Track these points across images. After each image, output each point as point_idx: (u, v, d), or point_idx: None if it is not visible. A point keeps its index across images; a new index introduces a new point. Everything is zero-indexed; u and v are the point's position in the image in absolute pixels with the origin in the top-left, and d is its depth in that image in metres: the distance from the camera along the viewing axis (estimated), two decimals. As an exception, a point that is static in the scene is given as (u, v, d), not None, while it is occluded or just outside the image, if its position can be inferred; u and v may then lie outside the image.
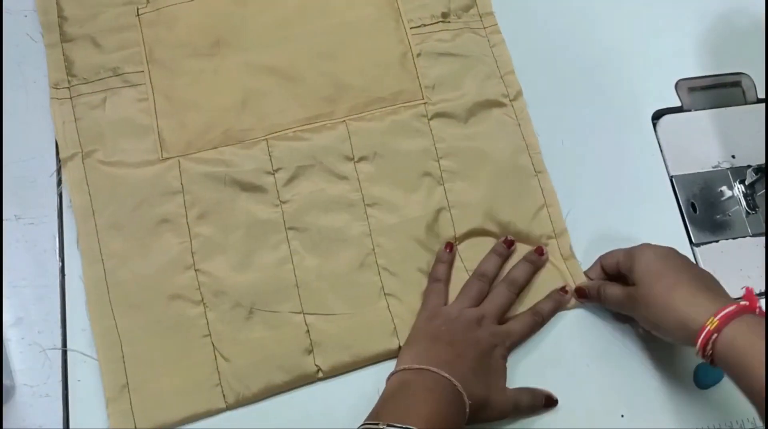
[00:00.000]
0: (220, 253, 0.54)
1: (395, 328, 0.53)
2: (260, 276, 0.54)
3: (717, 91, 0.63)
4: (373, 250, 0.55)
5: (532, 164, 0.58)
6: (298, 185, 0.56)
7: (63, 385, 0.51)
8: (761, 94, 0.63)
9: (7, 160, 0.56)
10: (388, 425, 0.43)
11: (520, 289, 0.55)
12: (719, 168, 0.61)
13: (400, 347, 0.53)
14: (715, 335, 0.44)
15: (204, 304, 0.53)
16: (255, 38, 0.59)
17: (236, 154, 0.56)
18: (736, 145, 0.61)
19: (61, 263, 0.54)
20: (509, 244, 0.56)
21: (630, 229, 0.57)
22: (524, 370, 0.54)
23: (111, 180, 0.55)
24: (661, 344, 0.54)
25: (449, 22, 0.61)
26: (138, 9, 0.59)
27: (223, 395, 0.51)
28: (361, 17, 0.60)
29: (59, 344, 0.52)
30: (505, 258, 0.56)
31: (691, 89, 0.63)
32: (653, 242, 0.56)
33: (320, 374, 0.52)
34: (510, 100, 0.60)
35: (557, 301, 0.54)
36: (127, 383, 0.51)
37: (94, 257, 0.53)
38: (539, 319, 0.54)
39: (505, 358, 0.52)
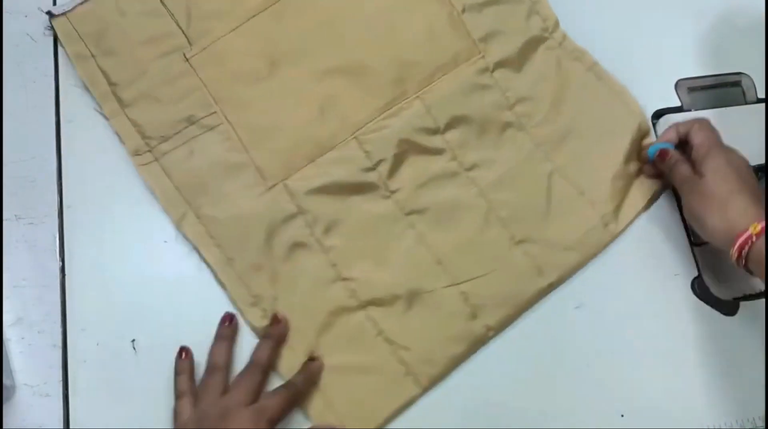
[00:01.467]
0: (358, 257, 0.55)
1: (539, 268, 0.55)
2: (402, 265, 0.55)
3: (717, 91, 0.63)
4: (491, 206, 0.56)
5: (594, 75, 0.60)
6: (402, 172, 0.57)
7: (63, 385, 0.52)
8: (761, 94, 0.63)
9: (7, 160, 0.56)
10: None
11: (266, 368, 0.51)
12: (719, 168, 0.61)
13: (550, 284, 0.55)
14: (753, 240, 0.48)
15: (364, 307, 0.54)
16: (307, 47, 0.58)
17: (334, 161, 0.56)
18: (736, 145, 0.60)
19: (61, 263, 0.54)
20: (229, 320, 0.53)
21: (630, 228, 0.58)
22: (524, 371, 0.54)
23: (231, 224, 0.55)
24: (661, 344, 0.55)
25: None
26: (185, 54, 0.57)
27: (417, 381, 0.53)
28: None
29: (59, 344, 0.52)
30: (232, 339, 0.53)
31: (691, 89, 0.63)
32: (653, 242, 0.57)
33: (491, 333, 0.54)
34: (550, 33, 0.61)
35: (310, 371, 0.52)
36: (333, 404, 0.52)
37: (249, 302, 0.54)
38: (294, 390, 0.51)
39: None
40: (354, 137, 0.57)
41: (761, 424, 0.52)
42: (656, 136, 0.61)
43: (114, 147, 0.57)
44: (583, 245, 0.56)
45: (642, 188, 0.59)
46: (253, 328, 0.54)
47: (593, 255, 0.57)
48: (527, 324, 0.55)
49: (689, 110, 0.62)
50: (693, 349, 0.55)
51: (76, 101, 0.57)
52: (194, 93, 0.57)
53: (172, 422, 0.50)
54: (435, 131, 0.57)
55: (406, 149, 0.57)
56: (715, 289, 0.57)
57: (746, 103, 0.63)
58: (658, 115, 0.62)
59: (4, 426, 0.50)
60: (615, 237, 0.57)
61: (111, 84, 0.57)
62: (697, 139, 0.55)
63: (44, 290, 0.53)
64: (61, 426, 0.51)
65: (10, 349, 0.52)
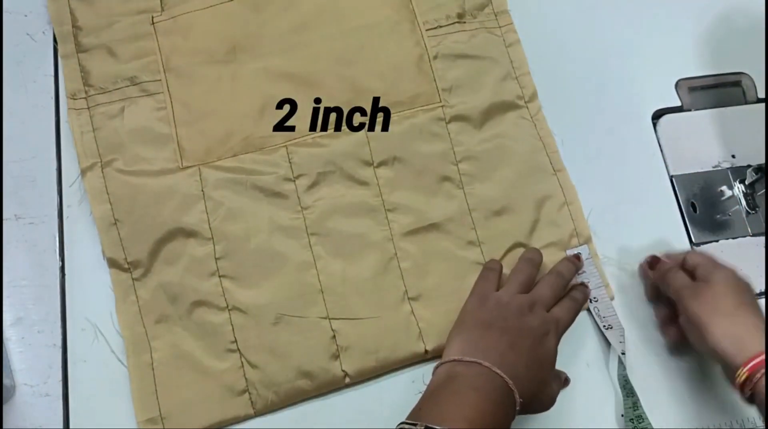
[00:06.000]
0: (244, 259, 0.54)
1: (420, 332, 0.53)
2: (285, 281, 0.54)
3: (717, 90, 0.63)
4: (396, 254, 0.55)
5: (551, 163, 0.58)
6: (319, 191, 0.56)
7: (63, 384, 0.52)
8: (761, 94, 0.63)
9: (7, 160, 0.56)
10: (427, 426, 0.41)
11: (567, 283, 0.53)
12: (719, 168, 0.61)
13: (426, 351, 0.53)
14: (750, 382, 0.45)
15: (229, 310, 0.53)
16: (272, 44, 0.59)
17: (256, 162, 0.56)
18: (736, 144, 0.61)
19: (61, 263, 0.54)
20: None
21: (630, 228, 0.57)
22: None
23: (131, 189, 0.55)
24: (661, 344, 0.54)
25: (465, 22, 0.61)
26: (153, 17, 0.59)
27: (251, 402, 0.51)
28: (377, 20, 0.60)
29: (59, 344, 0.52)
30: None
31: (692, 89, 0.63)
32: (653, 241, 0.57)
33: (347, 380, 0.52)
34: (525, 102, 0.59)
35: (584, 293, 0.54)
36: (156, 390, 0.51)
37: (121, 267, 0.53)
38: (579, 306, 0.52)
39: (556, 346, 0.49)
40: (285, 146, 0.56)
41: (761, 424, 0.52)
42: (657, 136, 0.61)
43: (114, 147, 0.56)
44: None
45: None
46: (113, 286, 0.53)
47: None
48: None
49: (689, 110, 0.62)
50: (693, 348, 0.54)
51: (76, 101, 0.57)
52: (148, 56, 0.58)
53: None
54: (368, 164, 0.56)
55: (332, 171, 0.56)
56: (715, 289, 0.57)
57: (746, 102, 0.63)
58: (659, 115, 0.62)
59: (4, 426, 0.50)
60: None
61: (75, 26, 0.58)
62: (700, 258, 0.52)
63: (44, 290, 0.53)
64: (61, 426, 0.51)
65: (10, 348, 0.52)
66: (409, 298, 0.54)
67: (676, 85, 0.62)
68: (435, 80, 0.59)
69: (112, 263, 0.54)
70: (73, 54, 0.58)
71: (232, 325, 0.53)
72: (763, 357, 0.44)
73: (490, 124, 0.59)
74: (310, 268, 0.54)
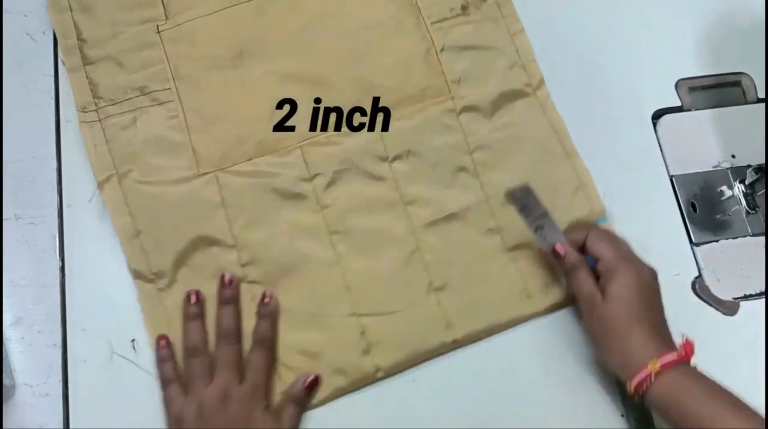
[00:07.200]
0: (269, 262, 0.54)
1: (448, 321, 0.53)
2: (310, 282, 0.54)
3: (717, 90, 0.63)
4: (418, 246, 0.55)
5: (563, 148, 0.58)
6: (337, 189, 0.56)
7: (63, 384, 0.52)
8: (761, 94, 0.63)
9: (7, 159, 0.56)
10: None
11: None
12: (719, 168, 0.61)
13: (455, 340, 0.53)
14: (651, 379, 0.46)
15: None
16: (278, 46, 0.59)
17: (272, 164, 0.56)
18: (736, 144, 0.61)
19: (61, 263, 0.54)
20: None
21: (630, 228, 0.57)
22: (525, 372, 0.54)
23: (150, 199, 0.55)
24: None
25: (469, 14, 0.61)
26: (158, 26, 0.58)
27: None
28: (381, 17, 0.60)
29: (59, 344, 0.52)
30: (201, 315, 0.53)
31: (692, 89, 0.63)
32: (653, 242, 0.57)
33: (380, 374, 0.52)
34: (533, 89, 0.60)
35: (269, 315, 0.52)
36: None
37: (145, 277, 0.53)
38: (267, 345, 0.52)
39: (269, 409, 0.49)
40: (299, 146, 0.56)
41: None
42: (657, 136, 0.61)
43: (114, 147, 0.56)
44: (499, 310, 0.54)
45: None
46: (139, 298, 0.53)
47: (507, 323, 0.54)
48: (530, 325, 0.55)
49: (689, 110, 0.62)
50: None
51: (76, 101, 0.57)
52: (156, 65, 0.58)
53: (163, 411, 0.50)
54: (383, 159, 0.57)
55: (348, 168, 0.56)
56: (715, 289, 0.57)
57: (746, 102, 0.63)
58: (658, 115, 0.62)
59: (4, 426, 0.50)
60: (536, 313, 0.55)
61: (80, 39, 0.58)
62: (601, 248, 0.50)
63: (44, 290, 0.53)
64: (61, 426, 0.51)
65: (10, 348, 0.52)
66: (434, 289, 0.54)
67: (676, 85, 0.62)
68: (443, 73, 0.59)
69: (137, 275, 0.53)
70: (80, 67, 0.58)
71: None
72: (646, 371, 0.46)
73: (500, 112, 0.59)
74: (334, 267, 0.54)
